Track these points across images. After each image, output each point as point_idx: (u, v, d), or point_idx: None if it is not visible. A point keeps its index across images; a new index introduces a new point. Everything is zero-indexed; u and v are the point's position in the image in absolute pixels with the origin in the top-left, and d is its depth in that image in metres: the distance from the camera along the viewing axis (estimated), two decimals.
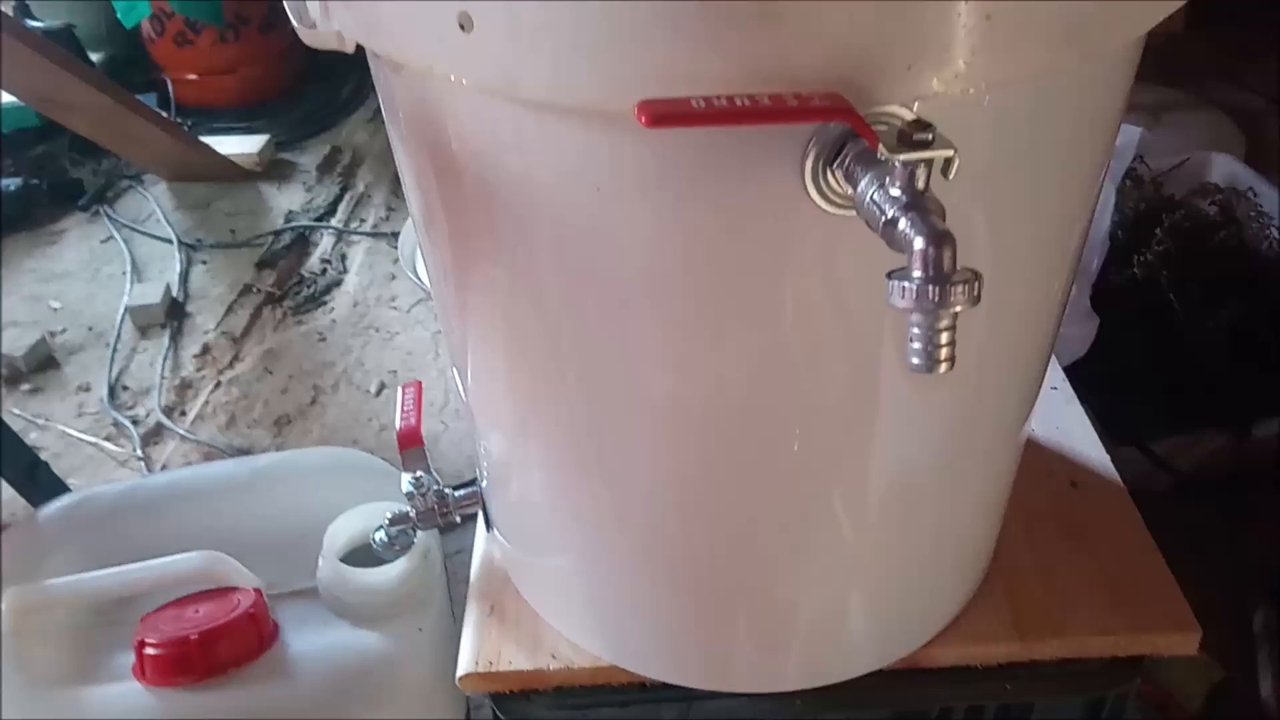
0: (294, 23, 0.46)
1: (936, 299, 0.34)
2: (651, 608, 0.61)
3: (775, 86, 0.36)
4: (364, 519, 0.78)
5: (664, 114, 0.32)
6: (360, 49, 0.45)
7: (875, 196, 0.36)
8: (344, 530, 0.78)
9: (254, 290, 1.69)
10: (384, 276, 1.72)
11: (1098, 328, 1.11)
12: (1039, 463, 0.75)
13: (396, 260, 1.72)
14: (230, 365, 1.54)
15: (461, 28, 0.38)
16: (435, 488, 0.69)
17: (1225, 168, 1.43)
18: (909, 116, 0.37)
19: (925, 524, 0.58)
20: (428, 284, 1.05)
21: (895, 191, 0.36)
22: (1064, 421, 0.79)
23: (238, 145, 2.00)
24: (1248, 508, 1.16)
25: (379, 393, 1.47)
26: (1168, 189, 1.30)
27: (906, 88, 0.37)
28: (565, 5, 0.36)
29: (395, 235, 1.77)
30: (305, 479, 0.87)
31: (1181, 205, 1.26)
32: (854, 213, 0.41)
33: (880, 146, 0.34)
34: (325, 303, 1.66)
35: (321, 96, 2.20)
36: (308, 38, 0.45)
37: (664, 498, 0.54)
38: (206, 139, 1.97)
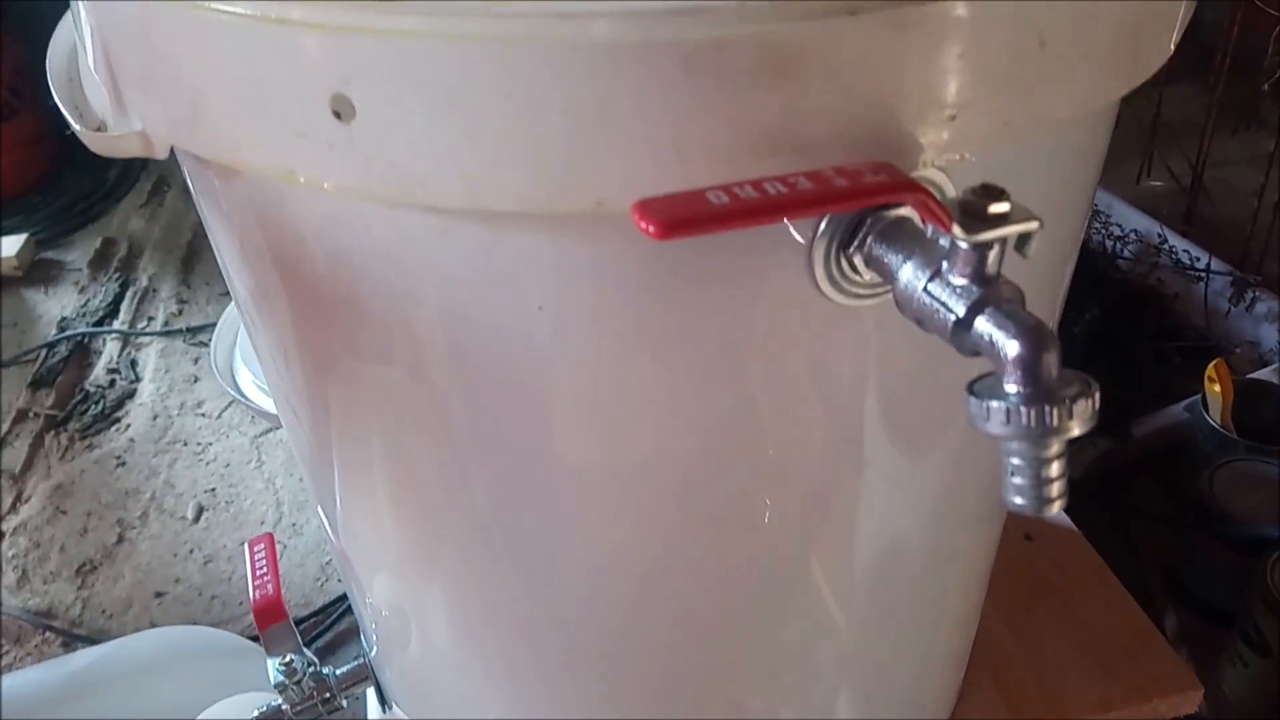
0: (74, 126, 0.33)
1: (1053, 422, 0.25)
2: None
3: (781, 155, 0.26)
4: None
5: (680, 219, 0.22)
6: (173, 153, 0.33)
7: (933, 289, 0.27)
8: None
9: (31, 415, 1.46)
10: (185, 380, 1.52)
11: None
12: None
13: (198, 360, 1.53)
14: (13, 509, 1.32)
15: (337, 116, 0.27)
16: (312, 669, 0.56)
17: None
18: (951, 184, 0.29)
19: (919, 611, 0.50)
20: (256, 402, 0.90)
21: (959, 279, 0.27)
22: None
23: None
24: (1133, 508, 1.15)
25: (198, 517, 1.28)
26: None
27: (948, 142, 0.28)
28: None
29: (192, 331, 1.58)
30: (137, 677, 0.70)
31: None
32: (867, 301, 0.32)
33: (955, 228, 0.26)
34: (118, 419, 1.46)
35: (84, 183, 1.95)
36: (96, 144, 0.32)
37: (624, 628, 0.44)
38: None
